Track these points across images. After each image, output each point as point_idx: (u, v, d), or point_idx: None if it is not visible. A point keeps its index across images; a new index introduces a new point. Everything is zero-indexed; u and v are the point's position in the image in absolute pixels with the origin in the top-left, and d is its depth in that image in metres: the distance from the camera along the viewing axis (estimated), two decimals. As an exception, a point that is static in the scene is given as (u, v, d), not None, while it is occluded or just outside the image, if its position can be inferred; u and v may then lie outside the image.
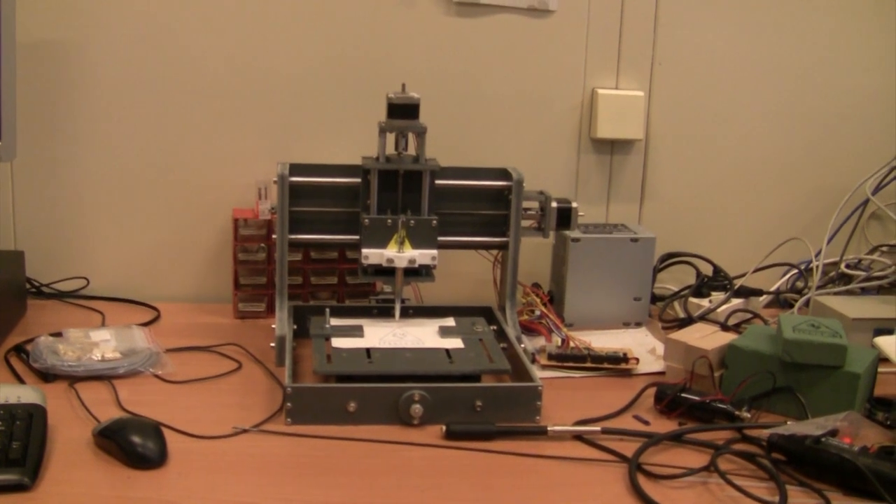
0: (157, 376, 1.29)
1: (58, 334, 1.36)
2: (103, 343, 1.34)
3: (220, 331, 1.47)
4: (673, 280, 1.66)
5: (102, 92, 1.54)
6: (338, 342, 1.28)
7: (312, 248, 1.51)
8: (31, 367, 1.28)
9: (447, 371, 1.22)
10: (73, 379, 1.26)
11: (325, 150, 1.53)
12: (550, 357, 1.37)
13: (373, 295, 1.48)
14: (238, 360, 1.36)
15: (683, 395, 1.22)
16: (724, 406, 1.19)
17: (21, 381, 1.26)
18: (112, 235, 1.59)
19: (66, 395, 1.22)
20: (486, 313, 1.44)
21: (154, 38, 1.53)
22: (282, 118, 1.57)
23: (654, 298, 1.60)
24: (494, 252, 1.46)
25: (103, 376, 1.27)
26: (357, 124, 1.45)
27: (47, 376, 1.26)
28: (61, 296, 1.58)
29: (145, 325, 1.47)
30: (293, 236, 1.38)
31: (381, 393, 1.16)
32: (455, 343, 1.30)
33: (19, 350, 1.34)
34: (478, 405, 1.17)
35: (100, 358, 1.29)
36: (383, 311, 1.40)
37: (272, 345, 1.34)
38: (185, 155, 1.57)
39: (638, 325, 1.55)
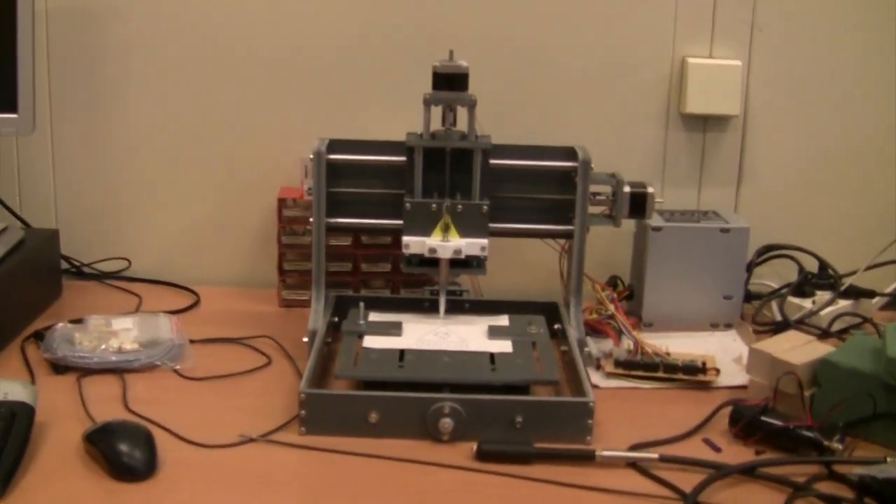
0: (175, 371, 1.18)
1: (78, 321, 1.25)
2: (123, 332, 1.23)
3: (259, 320, 1.35)
4: (773, 276, 1.46)
5: (142, 64, 1.43)
6: (370, 341, 1.14)
7: (356, 233, 1.37)
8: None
9: (486, 380, 1.06)
10: (84, 371, 1.15)
11: (377, 125, 1.38)
12: (617, 364, 1.20)
13: (428, 286, 1.33)
14: (269, 354, 1.24)
15: (763, 418, 1.03)
16: (812, 434, 1.01)
17: (31, 372, 1.16)
18: (154, 215, 1.49)
19: (73, 390, 1.11)
20: (551, 310, 1.28)
21: (195, 6, 1.41)
22: (330, 91, 1.43)
23: (749, 296, 1.41)
24: (562, 241, 1.29)
25: (117, 369, 1.16)
26: (410, 96, 1.29)
27: (58, 367, 1.16)
28: (101, 277, 1.48)
29: (182, 311, 1.37)
30: (331, 220, 1.24)
31: (407, 403, 1.02)
32: (503, 346, 1.14)
33: (39, 336, 1.24)
34: (518, 421, 1.01)
35: (116, 349, 1.18)
36: (436, 305, 1.25)
37: (305, 339, 1.21)
38: (230, 130, 1.45)
39: (728, 327, 1.37)
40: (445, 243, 1.16)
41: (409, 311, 1.25)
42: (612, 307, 1.28)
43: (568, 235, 1.26)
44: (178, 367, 1.18)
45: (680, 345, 1.26)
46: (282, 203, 1.38)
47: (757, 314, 1.39)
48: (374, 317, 1.21)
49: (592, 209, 1.25)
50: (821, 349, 1.12)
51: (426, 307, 1.27)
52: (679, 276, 1.35)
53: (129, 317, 1.28)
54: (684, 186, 1.47)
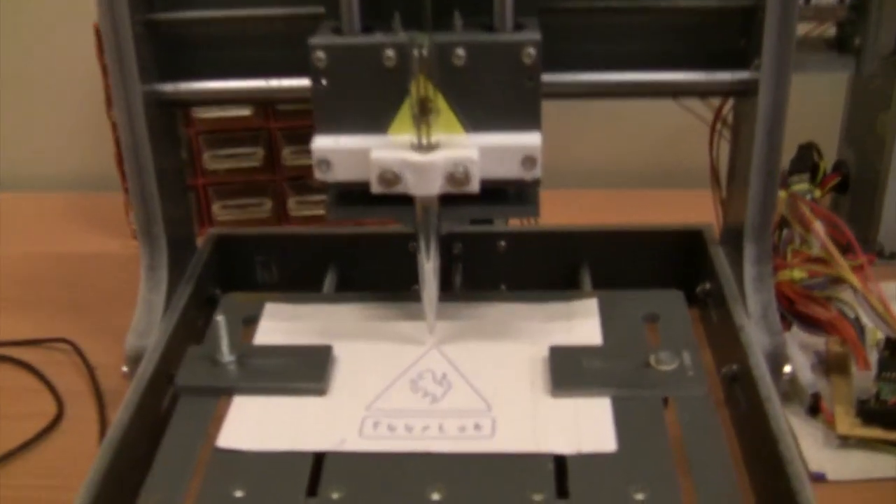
0: None
1: None
2: None
3: (79, 282, 0.66)
4: None
5: None
6: (239, 424, 0.44)
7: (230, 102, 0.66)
8: None
9: None
10: None
11: None
12: (867, 413, 0.49)
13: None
14: (61, 394, 0.56)
15: None
16: None
17: None
18: None
19: None
20: (690, 253, 0.57)
21: None
22: None
23: None
24: (713, 102, 0.56)
25: None
26: None
27: None
28: None
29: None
30: (158, 86, 0.52)
31: None
32: (589, 430, 0.43)
33: None
34: None
35: None
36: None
37: (124, 369, 0.52)
38: None
39: None
40: (424, 157, 0.43)
41: (377, 276, 0.55)
42: (830, 244, 0.55)
43: (738, 92, 0.52)
44: None
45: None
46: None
47: None
48: (272, 319, 0.51)
49: (802, 27, 0.51)
50: None
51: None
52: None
53: None
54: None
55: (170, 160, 0.55)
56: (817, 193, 0.64)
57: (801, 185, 0.63)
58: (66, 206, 0.76)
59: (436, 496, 0.39)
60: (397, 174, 0.43)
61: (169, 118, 0.55)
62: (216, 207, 0.68)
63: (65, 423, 0.54)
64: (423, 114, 0.42)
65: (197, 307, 0.55)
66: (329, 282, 0.57)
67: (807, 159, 0.67)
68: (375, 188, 0.43)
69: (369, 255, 0.59)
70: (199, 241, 0.59)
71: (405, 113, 0.44)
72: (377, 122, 0.44)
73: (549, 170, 0.47)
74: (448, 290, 0.57)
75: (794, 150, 0.66)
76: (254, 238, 0.60)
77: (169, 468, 0.42)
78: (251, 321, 0.51)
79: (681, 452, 0.42)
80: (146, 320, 0.53)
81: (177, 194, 0.56)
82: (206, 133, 0.66)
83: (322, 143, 0.44)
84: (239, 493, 0.40)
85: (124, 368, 0.52)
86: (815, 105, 0.70)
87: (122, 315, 0.57)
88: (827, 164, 0.68)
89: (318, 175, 0.44)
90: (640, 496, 0.39)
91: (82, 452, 0.50)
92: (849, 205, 0.68)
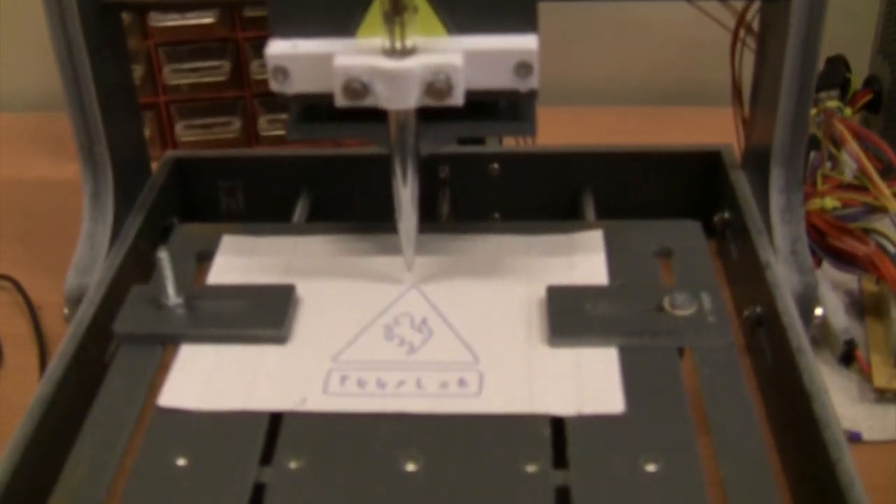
0: None
1: None
2: None
3: (26, 209, 0.60)
4: None
5: None
6: (180, 378, 0.37)
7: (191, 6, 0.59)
8: None
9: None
10: None
11: None
12: (910, 363, 0.43)
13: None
14: (1, 337, 0.50)
15: None
16: None
17: None
18: None
19: None
20: (707, 178, 0.51)
21: None
22: None
23: None
24: (736, 5, 0.49)
25: None
26: None
27: None
28: None
29: None
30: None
31: None
32: (593, 384, 0.37)
33: None
34: None
35: None
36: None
37: (65, 311, 0.45)
38: None
39: None
40: (398, 63, 0.36)
41: (355, 204, 0.49)
42: (869, 167, 0.49)
43: (767, -5, 0.46)
44: None
45: None
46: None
47: None
48: (229, 253, 0.44)
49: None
50: None
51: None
52: None
53: None
54: None
55: (116, 73, 0.48)
56: (847, 112, 0.57)
57: (830, 103, 0.56)
58: (16, 128, 0.69)
59: (410, 467, 0.33)
60: (366, 84, 0.36)
61: (113, 25, 0.48)
62: (179, 127, 0.62)
63: (3, 372, 0.49)
64: (397, 12, 0.36)
65: (150, 240, 0.49)
66: (300, 211, 0.51)
67: (836, 74, 0.61)
68: (340, 101, 0.37)
69: (347, 179, 0.53)
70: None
71: (375, 11, 0.37)
72: (343, 22, 0.37)
73: (548, 85, 0.40)
74: (434, 221, 0.51)
75: (821, 63, 0.60)
76: (216, 161, 0.54)
77: (102, 431, 0.36)
78: (206, 256, 0.45)
79: (699, 413, 0.36)
80: (89, 255, 0.47)
81: (125, 112, 0.50)
82: (165, 44, 0.59)
83: (277, 48, 0.37)
84: (182, 461, 0.34)
85: (65, 311, 0.46)
86: (844, 12, 0.63)
87: (74, 249, 0.51)
88: (857, 79, 0.61)
89: (274, 86, 0.38)
90: (651, 467, 0.33)
91: (22, 406, 0.44)
92: (882, 124, 0.61)
